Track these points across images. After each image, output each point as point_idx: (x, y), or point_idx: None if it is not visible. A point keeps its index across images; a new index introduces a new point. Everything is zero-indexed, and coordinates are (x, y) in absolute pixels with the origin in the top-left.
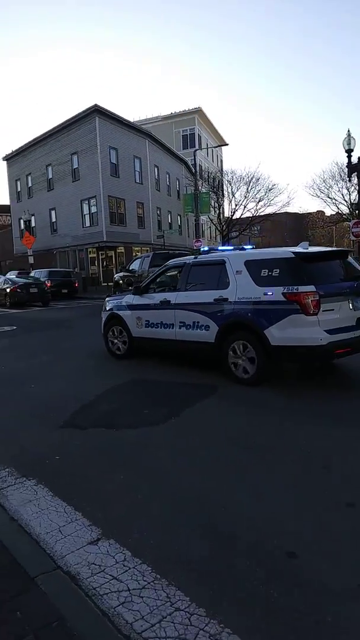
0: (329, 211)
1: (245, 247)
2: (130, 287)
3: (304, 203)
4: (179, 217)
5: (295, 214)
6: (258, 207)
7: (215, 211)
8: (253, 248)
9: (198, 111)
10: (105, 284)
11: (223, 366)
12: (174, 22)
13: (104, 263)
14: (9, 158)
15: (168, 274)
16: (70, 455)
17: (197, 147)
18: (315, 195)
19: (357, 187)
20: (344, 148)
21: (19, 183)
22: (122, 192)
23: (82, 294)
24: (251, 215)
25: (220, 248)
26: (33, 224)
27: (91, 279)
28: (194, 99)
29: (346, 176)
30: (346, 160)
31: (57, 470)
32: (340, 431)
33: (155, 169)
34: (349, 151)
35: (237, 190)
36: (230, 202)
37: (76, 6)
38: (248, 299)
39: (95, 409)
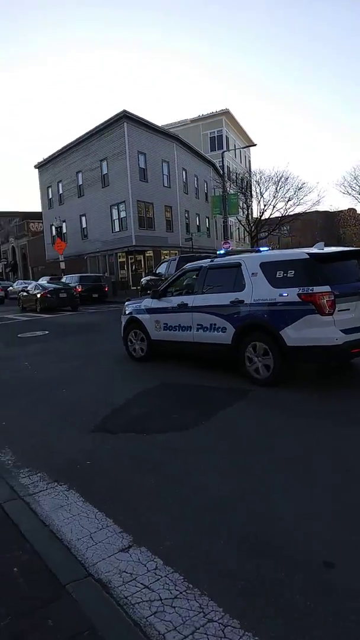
0: None
1: (261, 249)
2: (148, 292)
3: (335, 201)
4: (207, 220)
5: (326, 213)
6: (287, 207)
7: (243, 212)
8: (269, 250)
9: (225, 113)
10: (135, 287)
11: (240, 367)
12: (201, 22)
13: (133, 267)
14: (40, 166)
15: (185, 277)
16: (102, 460)
17: (224, 148)
18: (346, 192)
19: None
20: None
21: (50, 190)
22: (151, 196)
23: (112, 298)
24: (280, 215)
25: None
26: (64, 230)
27: (121, 283)
28: (222, 100)
29: None
30: None
31: (88, 475)
32: None
33: (183, 172)
34: None
35: (266, 190)
36: (259, 202)
37: (103, 8)
38: (264, 300)
39: (126, 413)
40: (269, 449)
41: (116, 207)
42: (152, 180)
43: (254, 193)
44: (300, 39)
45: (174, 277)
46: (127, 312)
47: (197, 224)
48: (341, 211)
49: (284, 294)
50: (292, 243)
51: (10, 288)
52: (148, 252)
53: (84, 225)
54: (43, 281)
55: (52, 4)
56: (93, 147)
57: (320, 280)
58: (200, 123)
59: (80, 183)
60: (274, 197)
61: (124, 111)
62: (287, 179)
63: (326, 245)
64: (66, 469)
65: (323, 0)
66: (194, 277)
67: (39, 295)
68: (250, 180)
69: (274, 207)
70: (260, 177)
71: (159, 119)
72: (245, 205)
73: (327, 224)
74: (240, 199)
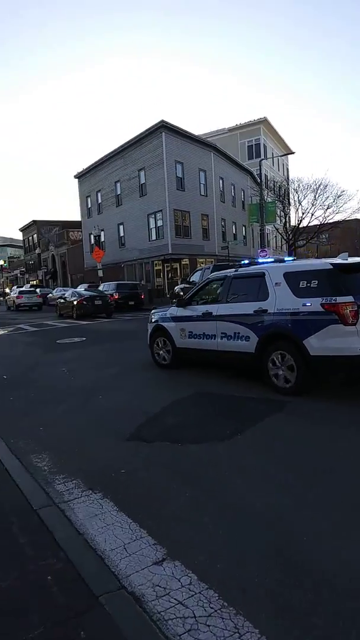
0: None
1: (286, 259)
2: (173, 301)
3: None
4: (243, 228)
5: None
6: (326, 215)
7: (281, 220)
8: (294, 260)
9: (263, 121)
10: (174, 294)
11: (263, 376)
12: (240, 31)
13: (169, 275)
14: (80, 176)
15: (210, 286)
16: (136, 469)
17: (262, 156)
18: None
19: None
20: None
21: (89, 199)
22: (187, 205)
23: (148, 305)
24: (319, 223)
25: (260, 260)
26: (102, 239)
27: (157, 291)
28: (260, 108)
29: None
30: None
31: (122, 484)
32: None
33: (220, 181)
34: None
35: (304, 198)
36: (297, 210)
37: (143, 16)
38: (287, 310)
39: (161, 421)
40: (307, 464)
41: (153, 216)
42: (189, 189)
43: (291, 201)
44: (340, 45)
45: (199, 286)
46: (153, 320)
47: (234, 232)
48: None
49: (307, 304)
50: (332, 251)
51: (50, 295)
52: (184, 260)
53: (122, 234)
54: (81, 289)
55: (92, 13)
56: (131, 157)
57: (343, 290)
58: (238, 132)
59: (119, 192)
60: (313, 204)
61: (162, 121)
62: (326, 186)
63: None
64: (101, 477)
65: None
66: (219, 286)
67: (75, 302)
68: (288, 188)
69: (312, 215)
70: (299, 184)
71: (197, 129)
72: (282, 213)
73: None
74: (277, 207)
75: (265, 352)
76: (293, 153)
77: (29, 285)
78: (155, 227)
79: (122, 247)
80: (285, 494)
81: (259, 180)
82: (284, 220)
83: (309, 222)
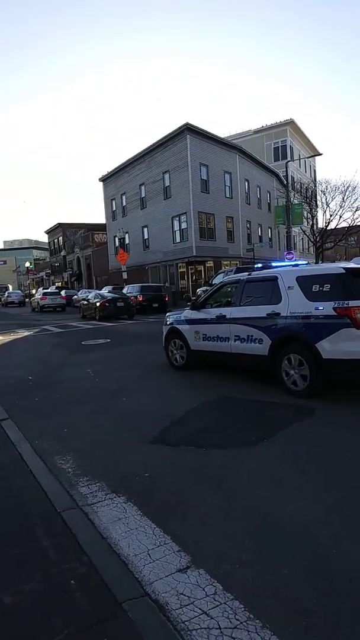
0: None
1: (300, 263)
2: (188, 303)
3: None
4: (269, 230)
5: None
6: (355, 217)
7: (308, 222)
8: (307, 265)
9: (290, 123)
10: (194, 297)
11: (276, 378)
12: (266, 32)
13: (193, 277)
14: (105, 179)
15: (224, 290)
16: (160, 474)
17: (289, 158)
18: None
19: None
20: None
21: (114, 202)
22: (212, 208)
23: (172, 307)
24: (347, 225)
25: (273, 264)
26: (127, 241)
27: (181, 293)
28: (286, 109)
29: None
30: None
31: (146, 488)
32: None
33: (246, 183)
34: None
35: (332, 200)
36: (325, 212)
37: (167, 19)
38: (300, 313)
39: (185, 425)
40: (337, 474)
41: (177, 219)
42: (214, 192)
43: (319, 203)
44: None
45: (212, 290)
46: (168, 323)
47: (259, 234)
48: None
49: (320, 308)
50: None
51: (75, 297)
52: (208, 262)
53: (146, 237)
54: (105, 290)
55: (114, 15)
56: (156, 159)
57: (355, 294)
58: (264, 133)
59: (143, 195)
60: (341, 206)
61: (187, 124)
62: (355, 187)
63: None
64: (125, 480)
65: None
66: (232, 289)
67: (98, 304)
68: (316, 190)
69: (340, 217)
70: (326, 186)
71: (222, 131)
72: (309, 216)
73: None
74: (304, 209)
75: (278, 355)
76: (320, 154)
77: (54, 287)
78: (180, 229)
79: (147, 250)
80: (314, 504)
81: (285, 182)
82: (311, 222)
83: (337, 224)
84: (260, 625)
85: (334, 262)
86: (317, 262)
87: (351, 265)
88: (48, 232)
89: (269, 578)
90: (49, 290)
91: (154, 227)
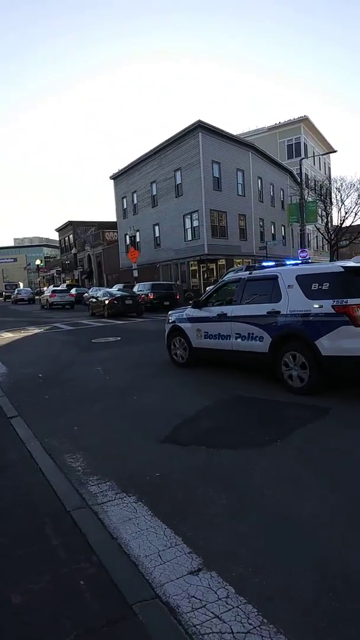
0: None
1: (289, 262)
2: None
3: None
4: (282, 228)
5: None
6: None
7: (322, 220)
8: (304, 262)
9: (304, 120)
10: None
11: (276, 375)
12: (278, 30)
13: (205, 275)
14: (115, 177)
15: (225, 288)
16: (171, 473)
17: (303, 155)
18: None
19: None
20: None
21: (125, 200)
22: (224, 205)
23: (184, 305)
24: None
25: (264, 264)
26: (138, 239)
27: (192, 292)
28: (300, 106)
29: None
30: None
31: (157, 488)
32: None
33: (259, 181)
34: None
35: (347, 197)
36: (340, 210)
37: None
38: (299, 311)
39: (196, 424)
40: (352, 476)
41: (189, 217)
42: (226, 189)
43: (334, 200)
44: None
45: (214, 288)
46: (170, 321)
47: (273, 232)
48: None
49: (319, 306)
50: None
51: (86, 295)
52: (220, 260)
53: (157, 235)
54: (115, 288)
55: (127, 17)
56: (167, 157)
57: (354, 292)
58: (277, 131)
59: (154, 193)
60: (356, 203)
61: (199, 121)
62: None
63: None
64: (135, 480)
65: None
66: (234, 288)
67: (106, 302)
68: (330, 187)
69: (356, 214)
70: (341, 183)
71: (235, 128)
72: (324, 213)
73: None
74: (319, 206)
75: (278, 352)
76: (335, 152)
77: (64, 285)
78: (191, 227)
79: (158, 248)
80: (328, 505)
81: (299, 180)
82: (325, 220)
83: (352, 222)
84: (275, 630)
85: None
86: (331, 260)
87: (350, 263)
88: (59, 230)
89: (282, 581)
90: (58, 288)
91: (166, 225)
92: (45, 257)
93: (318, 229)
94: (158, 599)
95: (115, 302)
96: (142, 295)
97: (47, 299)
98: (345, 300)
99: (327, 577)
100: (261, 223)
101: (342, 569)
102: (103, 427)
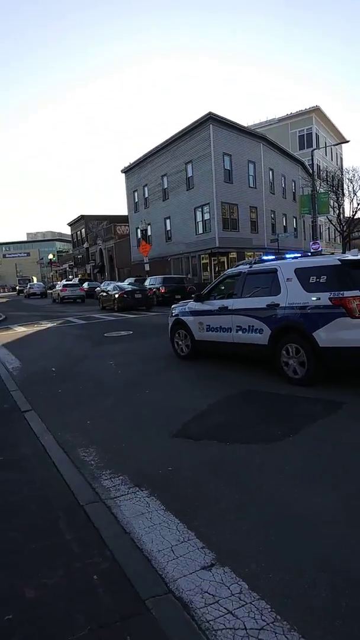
0: None
1: (288, 256)
2: (192, 296)
3: None
4: (294, 220)
5: None
6: None
7: (334, 211)
8: (304, 255)
9: (315, 110)
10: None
11: (276, 366)
12: (284, 22)
13: (216, 268)
14: (127, 170)
15: (226, 282)
16: (183, 468)
17: (314, 146)
18: None
19: None
20: None
21: (136, 194)
22: (235, 198)
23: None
24: None
25: (264, 257)
26: (149, 233)
27: (204, 285)
28: (311, 97)
29: None
30: None
31: (169, 482)
32: None
33: (270, 172)
34: None
35: (359, 189)
36: (352, 201)
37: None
38: (297, 304)
39: (208, 419)
40: None
41: (200, 209)
42: (237, 182)
43: (346, 191)
44: None
45: (215, 282)
46: (173, 314)
47: (284, 224)
48: None
49: (317, 298)
50: None
51: (98, 289)
52: (232, 253)
53: (168, 228)
54: (127, 282)
55: (137, 13)
56: (178, 150)
57: (351, 285)
58: (289, 122)
59: (165, 186)
60: None
61: (210, 113)
62: None
63: None
64: (148, 474)
65: None
66: (234, 282)
67: (116, 296)
68: (343, 178)
69: None
70: (354, 174)
71: (246, 119)
72: (336, 204)
73: None
74: (331, 197)
75: (277, 344)
76: (347, 142)
77: (76, 279)
78: (202, 220)
79: (169, 241)
80: (344, 502)
81: (310, 171)
82: (337, 212)
83: None
84: (288, 627)
85: None
86: (344, 252)
87: (347, 256)
88: (71, 224)
89: (295, 577)
90: (69, 282)
91: (177, 219)
92: (57, 252)
93: (330, 221)
94: (171, 594)
95: (125, 295)
96: (154, 289)
97: (58, 293)
98: (341, 292)
99: (343, 574)
100: (272, 215)
101: (354, 572)
102: (115, 421)
